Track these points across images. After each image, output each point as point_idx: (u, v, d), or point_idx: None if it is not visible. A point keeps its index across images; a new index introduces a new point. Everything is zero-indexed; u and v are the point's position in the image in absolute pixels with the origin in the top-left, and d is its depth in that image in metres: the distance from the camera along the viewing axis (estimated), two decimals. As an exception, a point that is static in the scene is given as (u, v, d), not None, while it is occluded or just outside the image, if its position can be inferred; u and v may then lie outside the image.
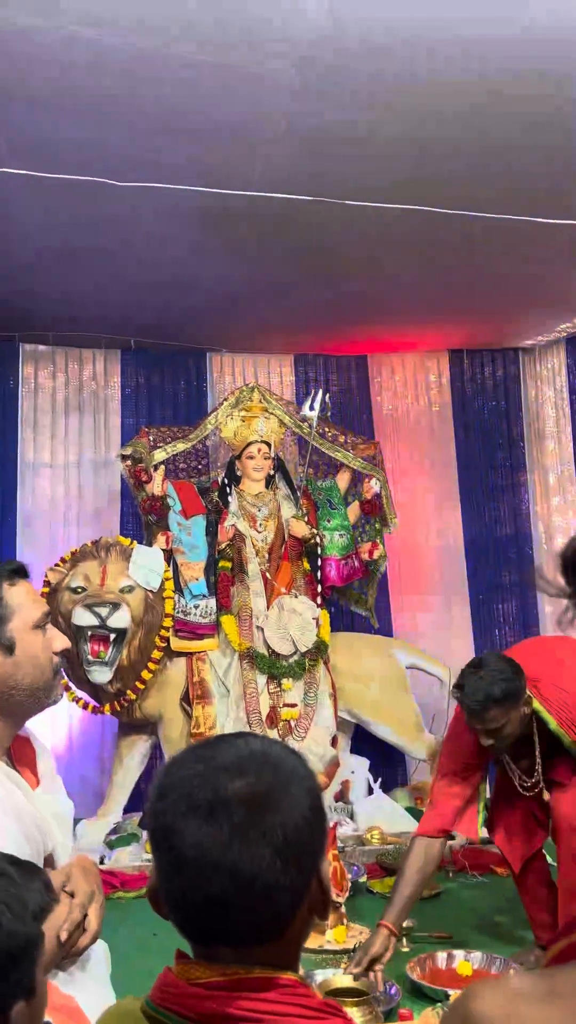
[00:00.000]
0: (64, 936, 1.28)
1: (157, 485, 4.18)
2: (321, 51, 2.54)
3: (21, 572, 1.53)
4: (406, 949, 2.96)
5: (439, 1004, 2.46)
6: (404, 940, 3.00)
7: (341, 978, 2.50)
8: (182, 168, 3.12)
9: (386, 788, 4.54)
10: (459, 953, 2.78)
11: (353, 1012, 2.30)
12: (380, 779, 4.50)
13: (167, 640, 4.05)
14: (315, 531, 4.32)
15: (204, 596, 4.14)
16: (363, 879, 3.49)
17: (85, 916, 1.34)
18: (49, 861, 1.44)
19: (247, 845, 0.84)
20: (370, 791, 4.42)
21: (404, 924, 2.97)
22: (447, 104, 2.84)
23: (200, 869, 0.85)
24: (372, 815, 4.20)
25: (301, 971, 0.96)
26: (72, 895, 1.32)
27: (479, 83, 2.74)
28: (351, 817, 4.29)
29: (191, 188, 2.99)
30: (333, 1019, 0.89)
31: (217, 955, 0.89)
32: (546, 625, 5.29)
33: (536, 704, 2.55)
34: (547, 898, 2.77)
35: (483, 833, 2.84)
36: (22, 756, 1.61)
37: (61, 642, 1.53)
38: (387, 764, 4.76)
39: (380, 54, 2.56)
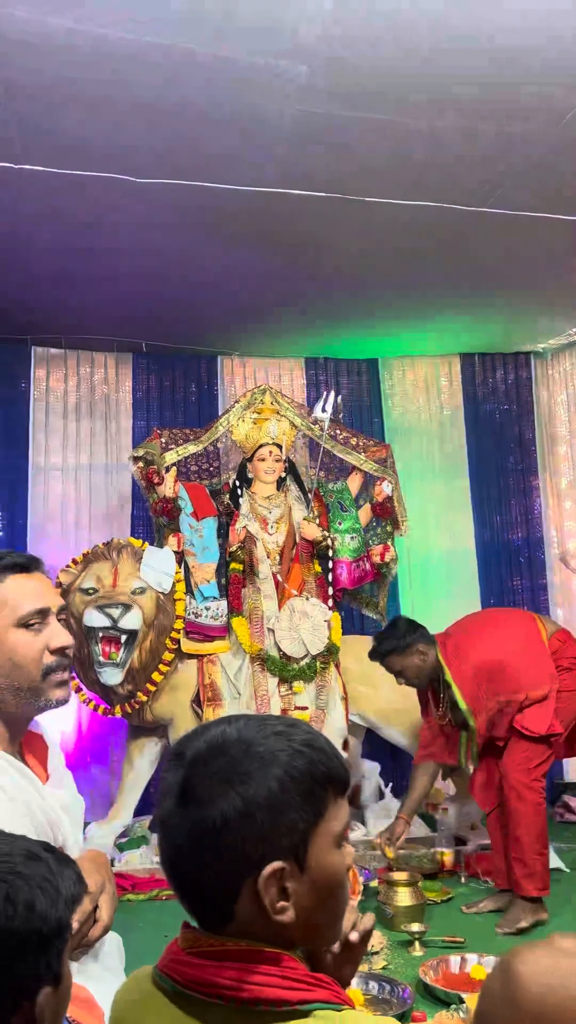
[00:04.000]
0: (75, 927, 1.27)
1: (169, 487, 4.18)
2: (328, 46, 2.54)
3: (21, 567, 1.47)
4: (419, 953, 2.94)
5: (453, 1007, 2.44)
6: (416, 944, 2.98)
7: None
8: (191, 167, 3.12)
9: (397, 793, 4.52)
10: (472, 957, 2.75)
11: (403, 892, 3.20)
12: (391, 784, 4.48)
13: (178, 642, 4.04)
14: (326, 533, 4.31)
15: (215, 598, 4.13)
16: (374, 883, 3.46)
17: (96, 907, 1.33)
18: None
19: (175, 831, 0.91)
20: (381, 795, 4.40)
21: (416, 928, 2.99)
22: (456, 98, 2.83)
23: (160, 844, 0.96)
24: (383, 820, 4.18)
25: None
26: None
27: (489, 76, 2.73)
28: (362, 822, 4.27)
29: (203, 184, 2.99)
30: (318, 990, 0.89)
31: (208, 928, 0.94)
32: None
33: (440, 658, 3.38)
34: (500, 843, 3.34)
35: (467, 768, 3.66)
36: (34, 750, 1.60)
37: (59, 639, 1.46)
38: (399, 768, 4.74)
39: (387, 47, 2.56)
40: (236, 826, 0.88)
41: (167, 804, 0.93)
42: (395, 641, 3.47)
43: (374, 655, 3.57)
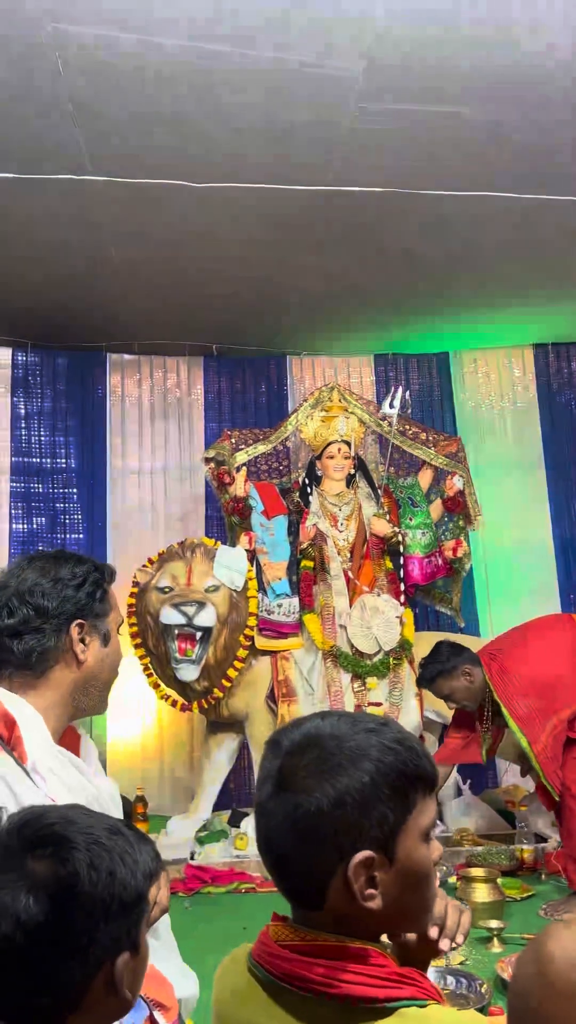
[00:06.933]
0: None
1: (239, 486, 4.24)
2: (386, 42, 2.54)
3: (113, 577, 1.55)
4: (498, 949, 2.91)
5: (530, 1003, 2.41)
6: (495, 940, 2.95)
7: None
8: (257, 171, 3.17)
9: (475, 790, 4.48)
10: (552, 954, 2.71)
11: (481, 888, 3.17)
12: (469, 780, 4.44)
13: (252, 639, 4.10)
14: (397, 529, 4.30)
15: (287, 595, 4.18)
16: (452, 879, 3.44)
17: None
18: None
19: (269, 814, 0.96)
20: (459, 792, 4.37)
21: (494, 924, 2.96)
22: (519, 91, 2.80)
23: (257, 827, 1.00)
24: (461, 817, 4.16)
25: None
26: None
27: (550, 68, 2.69)
28: (440, 818, 4.24)
29: (263, 186, 3.04)
30: (406, 987, 0.92)
31: (297, 916, 0.98)
32: None
33: (486, 677, 3.39)
34: None
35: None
36: (69, 743, 1.61)
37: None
38: (476, 765, 4.68)
39: (445, 45, 2.55)
40: (329, 815, 0.92)
41: (265, 790, 0.97)
42: (440, 665, 3.54)
43: (421, 681, 3.69)
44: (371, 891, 0.93)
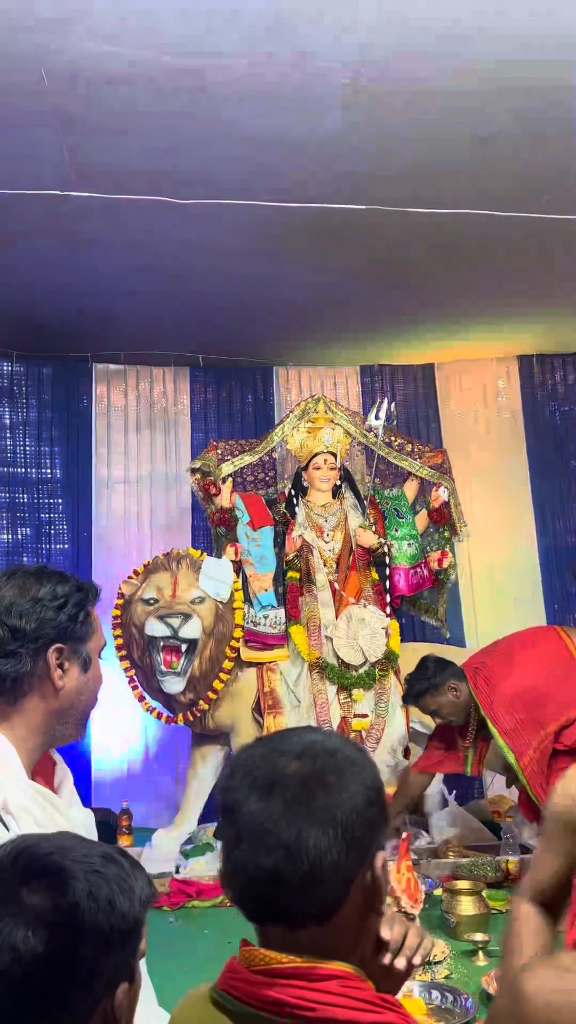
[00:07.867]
0: None
1: (225, 497, 4.24)
2: (372, 57, 2.56)
3: (98, 596, 1.43)
4: (483, 963, 2.90)
5: (516, 1018, 2.40)
6: (480, 954, 2.94)
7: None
8: (242, 184, 3.18)
9: (461, 800, 4.48)
10: (537, 968, 2.70)
11: (467, 900, 3.12)
12: (455, 791, 4.43)
13: (237, 650, 4.08)
14: (383, 540, 4.30)
15: (273, 607, 4.17)
16: (437, 891, 3.43)
17: None
18: None
19: (296, 820, 0.89)
20: (445, 803, 4.36)
21: (480, 938, 2.95)
22: (505, 104, 2.83)
23: (255, 841, 0.90)
24: (446, 828, 4.15)
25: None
26: None
27: (537, 81, 2.72)
28: (425, 829, 4.24)
29: (248, 202, 3.05)
30: (387, 1012, 0.89)
31: (274, 940, 0.93)
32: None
33: (471, 690, 3.41)
34: None
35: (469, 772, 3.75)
36: (41, 770, 1.49)
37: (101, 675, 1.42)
38: (462, 776, 4.68)
39: (432, 60, 2.57)
40: (363, 814, 0.91)
41: (277, 804, 0.91)
42: (426, 681, 3.54)
43: (408, 698, 3.70)
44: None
